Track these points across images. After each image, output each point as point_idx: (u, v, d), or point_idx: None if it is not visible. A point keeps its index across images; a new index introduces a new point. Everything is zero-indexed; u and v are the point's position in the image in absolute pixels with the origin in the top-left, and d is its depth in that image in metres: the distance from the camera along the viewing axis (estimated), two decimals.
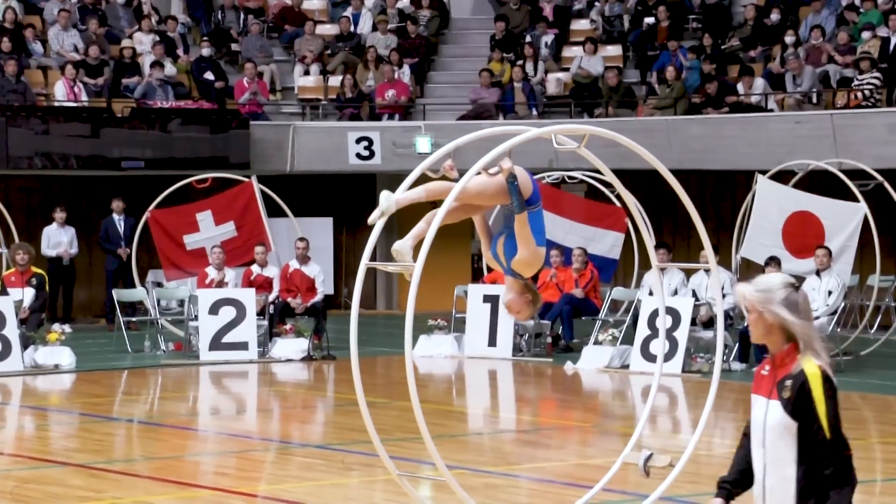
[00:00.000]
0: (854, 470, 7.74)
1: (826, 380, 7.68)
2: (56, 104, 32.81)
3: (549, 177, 30.35)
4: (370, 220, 12.42)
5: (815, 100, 33.20)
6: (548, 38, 36.18)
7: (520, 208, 11.97)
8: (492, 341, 26.97)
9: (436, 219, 12.18)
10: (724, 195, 34.35)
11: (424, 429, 11.61)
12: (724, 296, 25.57)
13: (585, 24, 36.73)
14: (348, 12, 37.29)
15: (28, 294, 26.86)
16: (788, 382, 7.69)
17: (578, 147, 12.99)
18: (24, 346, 25.25)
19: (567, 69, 35.34)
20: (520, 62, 35.35)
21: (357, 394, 11.66)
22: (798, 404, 7.69)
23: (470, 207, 12.51)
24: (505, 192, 12.03)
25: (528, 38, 36.16)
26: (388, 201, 12.30)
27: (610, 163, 30.72)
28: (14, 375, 24.59)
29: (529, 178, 12.19)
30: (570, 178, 31.03)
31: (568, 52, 36.13)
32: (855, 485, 7.75)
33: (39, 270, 27.91)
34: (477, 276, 31.89)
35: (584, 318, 27.70)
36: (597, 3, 37.00)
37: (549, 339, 27.49)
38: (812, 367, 7.67)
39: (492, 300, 26.88)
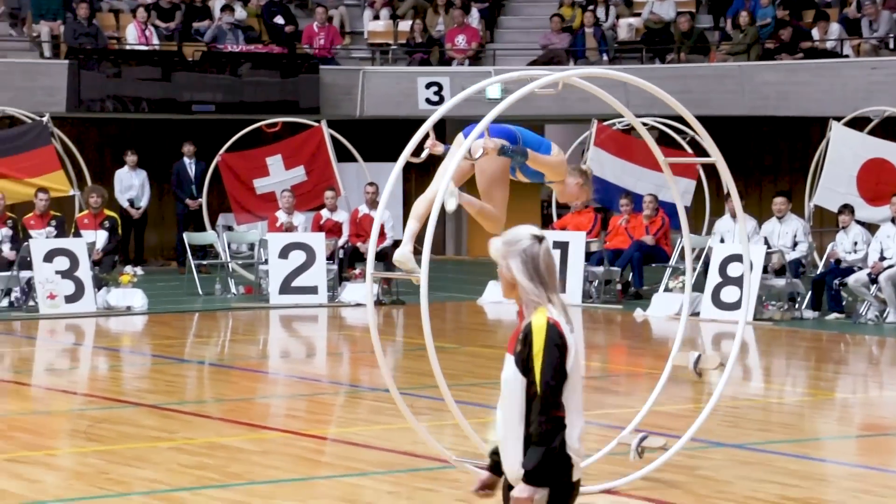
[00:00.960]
0: (561, 435, 7.30)
1: (551, 334, 7.23)
2: (127, 48, 32.90)
3: (619, 123, 30.11)
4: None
5: (891, 45, 32.96)
6: None
7: (523, 158, 12.10)
8: (561, 288, 26.84)
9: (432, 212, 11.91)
10: (798, 142, 34.09)
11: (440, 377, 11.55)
12: (795, 244, 25.60)
13: None
14: None
15: (101, 236, 27.00)
16: (521, 336, 7.23)
17: (556, 91, 12.75)
18: (98, 288, 25.48)
19: (639, 14, 35.19)
20: (591, 7, 35.23)
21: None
22: (524, 358, 7.23)
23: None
24: (500, 161, 12.12)
25: None
26: (451, 202, 12.06)
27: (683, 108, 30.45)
28: (87, 317, 24.76)
29: (501, 132, 12.16)
30: (641, 122, 30.85)
31: None
32: (555, 450, 7.28)
33: (112, 213, 28.06)
34: (546, 223, 31.75)
35: (654, 265, 27.58)
36: None
37: (619, 286, 27.44)
38: (540, 319, 7.23)
39: (561, 246, 26.75)
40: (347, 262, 27.67)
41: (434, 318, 25.86)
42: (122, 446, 14.71)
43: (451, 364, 21.09)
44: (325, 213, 28.28)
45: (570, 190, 12.81)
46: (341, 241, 27.84)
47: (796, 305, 24.93)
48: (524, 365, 7.22)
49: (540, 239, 7.34)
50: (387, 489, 13.33)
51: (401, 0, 35.93)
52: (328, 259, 27.06)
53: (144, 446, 14.83)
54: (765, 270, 24.63)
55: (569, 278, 26.75)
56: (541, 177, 12.52)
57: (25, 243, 25.64)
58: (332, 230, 27.81)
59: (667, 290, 25.85)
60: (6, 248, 26.07)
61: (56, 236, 26.15)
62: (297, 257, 26.82)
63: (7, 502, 11.90)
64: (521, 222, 26.30)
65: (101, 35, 32.91)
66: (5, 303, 25.64)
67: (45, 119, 27.88)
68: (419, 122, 37.69)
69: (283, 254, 26.89)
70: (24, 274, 25.51)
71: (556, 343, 7.23)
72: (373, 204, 28.21)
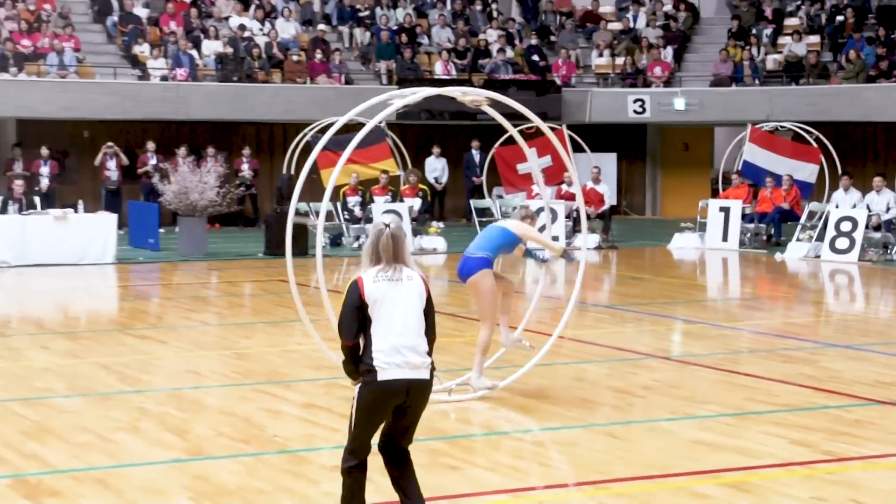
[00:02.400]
0: (351, 361, 7.24)
1: (350, 288, 7.23)
2: (436, 77, 33.00)
3: (765, 126, 29.80)
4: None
5: None
6: (767, 31, 35.29)
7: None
8: (724, 238, 26.53)
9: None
10: (891, 140, 33.39)
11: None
12: (888, 209, 24.94)
13: (794, 20, 35.68)
14: (630, 13, 36.80)
15: (416, 202, 27.30)
16: None
17: (481, 104, 12.20)
18: (415, 235, 25.74)
19: (781, 52, 34.46)
20: (747, 46, 34.61)
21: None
22: None
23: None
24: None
25: (753, 31, 35.37)
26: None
27: (810, 116, 29.80)
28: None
29: (480, 263, 11.95)
30: (781, 126, 30.42)
31: (782, 39, 35.16)
32: (345, 364, 7.26)
33: (424, 186, 28.37)
34: (714, 193, 31.34)
35: (789, 222, 27.08)
36: (802, 6, 35.97)
37: (765, 237, 26.95)
38: (352, 280, 7.27)
39: (725, 210, 26.50)
40: (578, 220, 27.56)
41: (636, 258, 25.79)
42: None
43: (648, 288, 20.90)
44: (564, 186, 28.22)
45: (525, 226, 12.80)
46: (574, 206, 27.72)
47: (888, 251, 24.33)
48: None
49: (387, 226, 7.31)
50: (605, 372, 13.22)
51: (617, 42, 35.60)
52: (566, 217, 26.99)
53: (443, 340, 14.92)
54: (866, 227, 24.07)
55: (729, 231, 26.42)
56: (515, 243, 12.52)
57: (369, 205, 26.04)
58: (568, 197, 27.72)
59: (798, 240, 25.44)
60: (357, 209, 26.51)
61: (391, 201, 26.49)
62: (546, 216, 26.75)
63: None
64: (696, 192, 25.94)
65: (419, 69, 33.11)
66: (356, 245, 26.03)
67: (382, 124, 28.17)
68: (628, 125, 37.26)
69: (537, 213, 26.84)
70: (369, 226, 25.82)
71: (349, 295, 7.23)
72: (596, 180, 28.14)
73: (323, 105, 29.39)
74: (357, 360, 7.26)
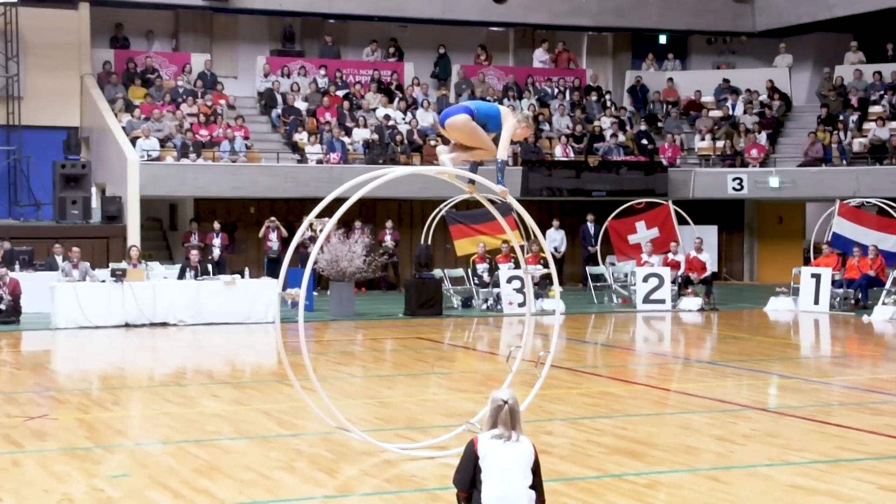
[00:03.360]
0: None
1: (466, 447, 7.33)
2: (556, 159, 32.98)
3: (852, 201, 29.28)
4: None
5: None
6: (853, 117, 34.68)
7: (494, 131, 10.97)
8: (815, 301, 26.01)
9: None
10: None
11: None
12: None
13: (878, 108, 35.01)
14: (729, 102, 36.45)
15: (538, 269, 27.11)
16: None
17: (470, 186, 11.57)
18: (537, 298, 25.55)
19: (866, 136, 33.85)
20: (835, 131, 34.05)
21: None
22: None
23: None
24: (469, 128, 10.92)
25: (840, 117, 34.79)
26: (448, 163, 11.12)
27: (893, 192, 29.10)
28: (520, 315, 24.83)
29: (459, 109, 10.92)
30: (867, 202, 29.87)
31: (866, 125, 34.53)
32: None
33: (544, 255, 28.22)
34: (806, 262, 30.77)
35: (875, 288, 26.46)
36: (885, 95, 35.28)
37: (853, 301, 26.35)
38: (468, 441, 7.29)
39: (816, 276, 26.02)
40: (683, 285, 27.21)
41: (735, 319, 25.26)
42: (545, 391, 14.66)
43: (746, 347, 20.52)
44: (670, 255, 27.89)
45: (518, 129, 10.95)
46: (680, 272, 27.38)
47: None
48: None
49: (505, 402, 7.29)
50: (707, 421, 12.98)
51: (717, 128, 35.26)
52: (672, 282, 26.72)
53: (561, 392, 14.77)
54: None
55: (820, 295, 25.90)
56: (497, 126, 10.96)
57: (497, 271, 25.98)
58: (674, 265, 27.43)
59: (883, 304, 24.84)
60: (485, 275, 26.47)
61: (514, 268, 26.39)
62: (653, 281, 26.54)
63: None
64: (790, 264, 25.33)
65: (541, 151, 33.11)
66: (484, 306, 25.94)
67: (509, 199, 28.19)
68: (727, 201, 36.73)
69: (645, 279, 26.66)
70: (496, 290, 25.82)
71: (467, 450, 7.30)
72: (699, 249, 27.75)
73: (455, 184, 29.56)
74: None
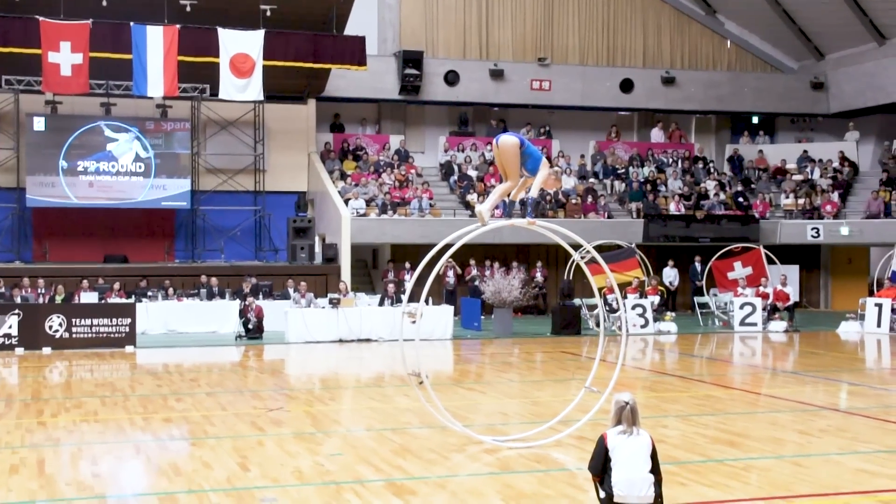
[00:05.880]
0: (597, 488, 6.94)
1: (598, 440, 7.08)
2: (670, 213, 32.43)
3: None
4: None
5: None
6: None
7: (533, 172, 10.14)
8: (878, 325, 25.00)
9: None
10: None
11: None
12: None
13: None
14: (808, 168, 35.38)
15: (656, 299, 26.54)
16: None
17: (530, 224, 10.77)
18: (654, 321, 25.10)
19: None
20: (893, 191, 32.77)
21: None
22: None
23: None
24: (517, 159, 10.06)
25: None
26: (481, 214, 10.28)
27: None
28: (646, 335, 24.44)
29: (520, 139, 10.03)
30: None
31: None
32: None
33: (662, 287, 27.69)
34: (871, 293, 29.58)
35: None
36: None
37: None
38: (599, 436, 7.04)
39: (878, 305, 25.02)
40: (771, 311, 26.46)
41: (813, 339, 24.36)
42: (657, 394, 14.40)
43: (822, 361, 19.82)
44: (761, 288, 27.16)
45: (549, 180, 10.33)
46: (768, 301, 26.64)
47: None
48: None
49: (626, 403, 7.13)
50: (790, 418, 12.58)
51: (799, 188, 34.27)
52: (762, 309, 26.00)
53: (674, 394, 14.50)
54: None
55: (882, 318, 24.95)
56: (534, 168, 10.20)
57: (623, 300, 25.42)
58: (764, 296, 26.70)
59: None
60: (614, 303, 25.84)
61: (638, 298, 25.93)
62: (748, 308, 25.88)
63: None
64: (857, 295, 24.31)
65: (658, 207, 32.61)
66: (614, 328, 25.51)
67: (633, 245, 27.94)
68: (808, 246, 35.34)
69: (742, 307, 26.01)
70: (614, 316, 25.42)
71: (598, 444, 7.13)
72: (783, 283, 27.00)
73: (591, 233, 29.29)
74: (601, 489, 7.19)
